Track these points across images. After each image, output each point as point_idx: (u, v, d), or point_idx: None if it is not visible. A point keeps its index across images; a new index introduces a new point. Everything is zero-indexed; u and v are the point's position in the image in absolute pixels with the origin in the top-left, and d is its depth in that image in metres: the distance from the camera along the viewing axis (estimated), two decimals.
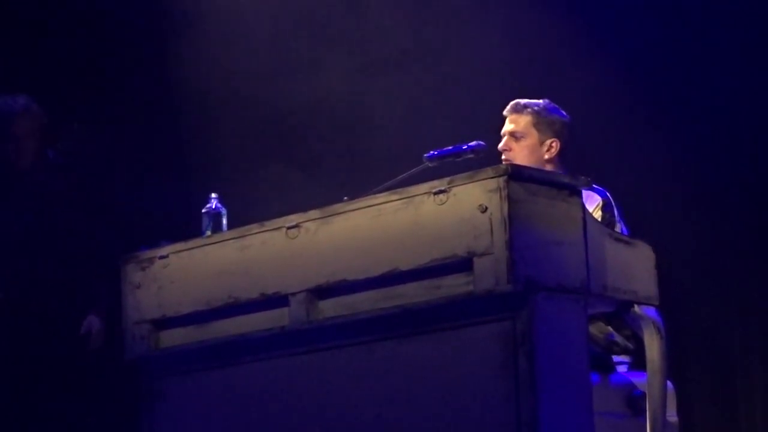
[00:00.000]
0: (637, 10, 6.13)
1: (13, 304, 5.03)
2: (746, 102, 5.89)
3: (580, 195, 3.58)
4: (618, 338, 4.38)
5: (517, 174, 3.46)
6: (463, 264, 3.47)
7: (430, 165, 4.45)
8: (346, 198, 3.86)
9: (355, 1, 6.47)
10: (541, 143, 4.62)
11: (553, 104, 4.71)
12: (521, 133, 4.62)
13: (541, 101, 4.69)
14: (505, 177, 3.43)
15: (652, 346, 3.82)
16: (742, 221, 5.93)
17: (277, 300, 3.80)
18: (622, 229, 4.40)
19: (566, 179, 3.58)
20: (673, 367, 4.01)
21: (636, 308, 3.79)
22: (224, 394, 3.91)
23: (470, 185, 3.48)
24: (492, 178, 3.45)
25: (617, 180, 5.64)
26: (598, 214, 4.31)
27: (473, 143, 4.59)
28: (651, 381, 3.85)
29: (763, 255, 5.87)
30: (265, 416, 3.82)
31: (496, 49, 6.24)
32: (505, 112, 4.69)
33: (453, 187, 3.51)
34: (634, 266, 3.75)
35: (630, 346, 4.39)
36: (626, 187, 5.77)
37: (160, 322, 4.06)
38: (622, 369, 4.38)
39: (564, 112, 4.71)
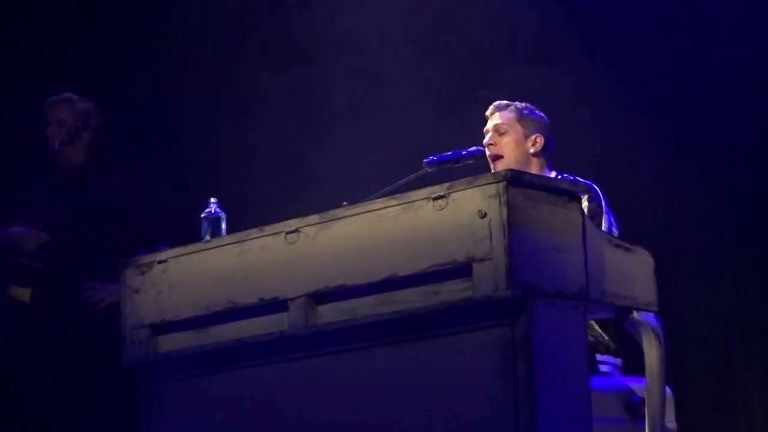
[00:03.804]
0: (638, 9, 6.14)
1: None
2: (748, 103, 5.89)
3: (579, 201, 3.58)
4: (602, 338, 4.40)
5: (516, 180, 3.45)
6: (462, 270, 3.47)
7: (429, 170, 4.48)
8: (345, 203, 3.86)
9: None
10: (526, 138, 4.75)
11: (531, 106, 4.82)
12: (506, 128, 4.74)
13: (520, 102, 4.77)
14: (505, 183, 3.42)
15: (651, 352, 3.82)
16: (741, 227, 5.93)
17: (276, 305, 3.79)
18: (610, 221, 4.45)
19: (566, 185, 3.58)
20: (672, 373, 4.00)
21: (635, 314, 3.79)
22: (223, 399, 3.90)
23: (469, 191, 3.47)
24: (491, 183, 3.44)
25: (617, 184, 5.65)
26: (584, 205, 4.34)
27: (472, 148, 4.63)
28: (650, 387, 3.85)
29: (763, 261, 5.87)
30: (264, 421, 3.81)
31: (496, 47, 6.26)
32: (487, 113, 4.82)
33: (452, 192, 3.50)
34: (634, 272, 3.75)
35: (613, 345, 4.41)
36: (626, 193, 5.79)
37: (158, 326, 4.05)
38: (604, 369, 4.39)
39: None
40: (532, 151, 4.74)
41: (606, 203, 4.53)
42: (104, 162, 5.26)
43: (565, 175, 4.63)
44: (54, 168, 5.22)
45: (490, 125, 4.77)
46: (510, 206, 3.41)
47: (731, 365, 5.92)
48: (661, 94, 6.08)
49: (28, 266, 5.07)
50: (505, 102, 4.80)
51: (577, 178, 4.52)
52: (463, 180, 3.52)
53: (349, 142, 6.47)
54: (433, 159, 4.50)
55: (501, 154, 4.70)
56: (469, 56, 6.32)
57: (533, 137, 4.75)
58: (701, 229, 5.98)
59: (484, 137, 4.77)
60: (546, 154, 4.77)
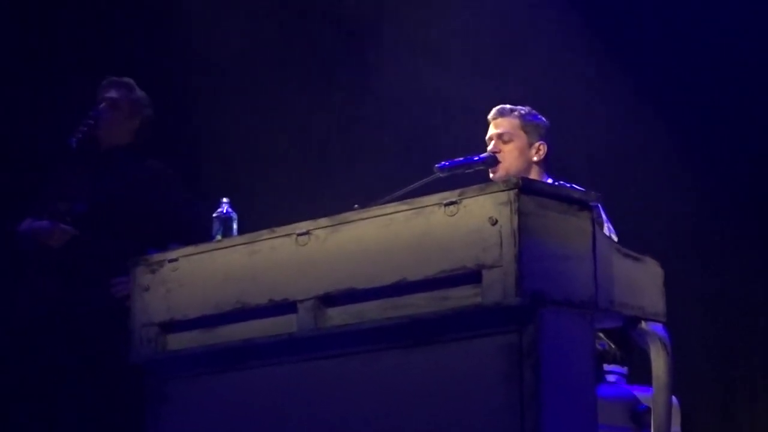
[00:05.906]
0: (643, 11, 6.16)
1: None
2: (749, 103, 5.91)
3: (590, 210, 3.59)
4: (609, 347, 4.40)
5: (528, 187, 3.46)
6: (471, 276, 3.47)
7: (441, 175, 4.47)
8: (356, 206, 3.87)
9: None
10: (530, 145, 4.71)
11: (534, 110, 4.78)
12: (510, 136, 4.70)
13: (523, 107, 4.75)
14: (516, 190, 3.42)
15: (659, 362, 3.82)
16: (741, 227, 5.94)
17: (286, 306, 3.80)
18: (609, 229, 4.43)
19: (576, 194, 3.59)
20: (678, 382, 4.01)
21: (643, 324, 3.79)
22: (230, 399, 3.91)
23: (481, 197, 3.48)
24: (503, 191, 3.45)
25: (623, 194, 5.66)
26: None
27: (484, 154, 4.62)
28: (656, 396, 3.85)
29: (763, 261, 5.88)
30: (270, 422, 3.82)
31: (499, 49, 6.28)
32: (489, 117, 4.77)
33: (464, 198, 3.51)
34: (642, 282, 3.76)
35: (618, 353, 4.41)
36: (634, 203, 5.81)
37: (167, 325, 4.06)
38: (611, 378, 4.39)
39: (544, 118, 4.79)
40: (535, 159, 4.71)
41: (605, 211, 4.52)
42: (142, 149, 5.23)
43: (560, 181, 4.62)
44: (85, 153, 5.16)
45: (493, 132, 4.72)
46: (521, 214, 3.42)
47: (731, 365, 5.93)
48: (661, 95, 6.10)
49: (54, 258, 5.04)
50: (508, 107, 4.76)
51: (573, 185, 4.50)
52: (474, 187, 3.53)
53: (359, 145, 6.49)
54: (444, 164, 4.49)
55: (503, 162, 4.67)
56: (469, 58, 6.34)
57: (537, 145, 4.71)
58: (702, 230, 5.99)
59: (487, 141, 4.76)
60: (547, 160, 4.75)
